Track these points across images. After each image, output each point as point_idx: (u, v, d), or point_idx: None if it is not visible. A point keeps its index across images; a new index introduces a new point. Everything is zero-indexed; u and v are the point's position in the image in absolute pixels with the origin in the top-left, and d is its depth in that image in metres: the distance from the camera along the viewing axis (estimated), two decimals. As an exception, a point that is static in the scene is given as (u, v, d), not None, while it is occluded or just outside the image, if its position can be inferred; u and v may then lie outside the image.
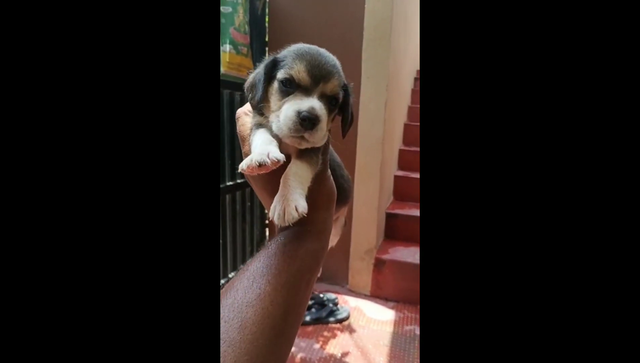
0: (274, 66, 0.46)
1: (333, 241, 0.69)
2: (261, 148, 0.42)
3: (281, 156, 0.40)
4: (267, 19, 2.39)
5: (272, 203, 0.43)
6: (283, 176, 0.44)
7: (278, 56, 0.47)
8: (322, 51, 0.46)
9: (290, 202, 0.41)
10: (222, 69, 1.88)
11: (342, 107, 0.49)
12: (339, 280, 2.59)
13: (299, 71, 0.43)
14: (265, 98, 0.47)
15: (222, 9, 1.89)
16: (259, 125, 0.48)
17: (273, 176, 0.44)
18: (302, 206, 0.41)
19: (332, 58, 0.46)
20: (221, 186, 2.05)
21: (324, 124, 0.43)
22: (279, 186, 0.43)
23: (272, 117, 0.45)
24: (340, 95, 0.46)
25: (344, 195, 0.59)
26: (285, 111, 0.43)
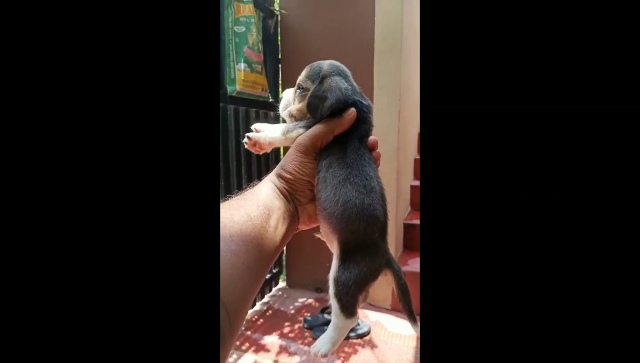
0: None
1: None
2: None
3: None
4: (279, 37, 2.45)
5: None
6: None
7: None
8: None
9: None
10: (238, 87, 1.93)
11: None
12: (358, 293, 2.54)
13: None
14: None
15: (235, 28, 1.95)
16: None
17: None
18: None
19: None
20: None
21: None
22: None
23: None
24: None
25: None
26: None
